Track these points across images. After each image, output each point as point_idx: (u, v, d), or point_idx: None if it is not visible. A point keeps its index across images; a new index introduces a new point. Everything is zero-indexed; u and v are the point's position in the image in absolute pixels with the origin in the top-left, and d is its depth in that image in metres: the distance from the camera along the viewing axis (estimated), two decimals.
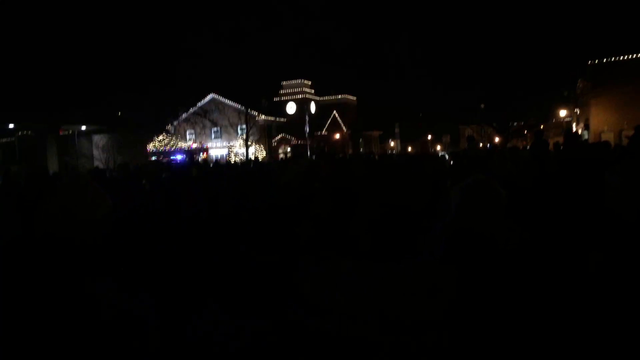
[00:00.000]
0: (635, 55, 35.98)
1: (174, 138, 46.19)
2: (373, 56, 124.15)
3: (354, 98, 62.95)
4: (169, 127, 47.36)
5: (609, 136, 33.79)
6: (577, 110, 41.82)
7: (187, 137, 50.61)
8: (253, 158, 31.76)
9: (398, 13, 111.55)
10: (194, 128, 48.34)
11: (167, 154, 40.90)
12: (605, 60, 35.96)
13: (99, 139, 31.73)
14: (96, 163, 26.87)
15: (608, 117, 35.62)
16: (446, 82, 30.27)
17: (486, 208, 2.12)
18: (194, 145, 45.13)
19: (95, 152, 30.64)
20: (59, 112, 27.73)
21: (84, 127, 30.67)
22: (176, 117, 48.32)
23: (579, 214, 4.11)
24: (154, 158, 36.78)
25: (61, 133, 30.20)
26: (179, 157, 39.54)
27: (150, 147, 42.41)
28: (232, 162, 27.12)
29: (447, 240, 2.15)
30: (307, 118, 48.18)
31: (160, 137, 44.09)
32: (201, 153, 41.84)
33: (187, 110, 48.19)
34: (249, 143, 39.68)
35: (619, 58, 36.00)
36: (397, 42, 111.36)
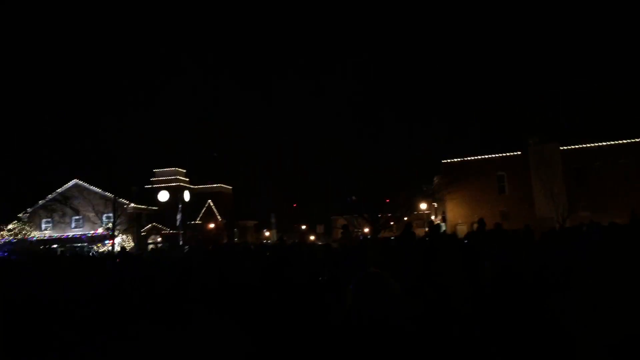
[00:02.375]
0: (479, 156, 41.27)
1: (26, 227, 41.72)
2: (249, 146, 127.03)
3: (230, 187, 62.95)
4: (21, 214, 42.80)
5: (462, 228, 37.37)
6: (435, 204, 46.01)
7: (43, 226, 46.00)
8: (119, 248, 29.60)
9: (271, 109, 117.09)
10: (51, 216, 44.20)
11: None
12: (456, 160, 40.66)
13: None
14: None
15: (462, 211, 39.66)
16: (318, 174, 31.74)
17: (380, 300, 2.21)
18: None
19: None
20: None
21: None
22: (31, 204, 43.97)
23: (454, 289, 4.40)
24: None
25: None
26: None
27: None
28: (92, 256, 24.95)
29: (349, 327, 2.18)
30: (179, 207, 46.79)
31: (11, 226, 39.55)
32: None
33: (44, 197, 44.23)
34: (116, 233, 37.08)
35: (468, 158, 40.99)
36: (271, 136, 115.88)
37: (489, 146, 41.10)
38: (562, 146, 39.05)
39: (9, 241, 37.25)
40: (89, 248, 37.62)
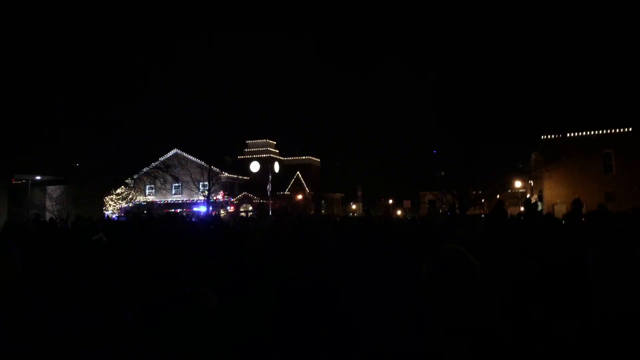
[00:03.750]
0: (583, 132, 38.25)
1: (132, 192, 45.16)
2: (339, 120, 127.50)
3: (318, 160, 63.78)
4: (128, 180, 46.37)
5: (561, 208, 35.08)
6: (531, 182, 43.50)
7: (147, 191, 49.58)
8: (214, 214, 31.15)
9: (363, 81, 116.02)
10: (154, 182, 47.46)
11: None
12: (557, 136, 38.00)
13: (52, 190, 30.61)
14: (48, 215, 25.73)
15: (560, 190, 37.18)
16: (408, 149, 31.19)
17: (458, 279, 2.03)
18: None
19: (48, 204, 29.42)
20: (11, 161, 26.74)
21: (38, 177, 29.65)
22: (137, 170, 47.49)
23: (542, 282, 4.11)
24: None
25: (14, 182, 29.00)
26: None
27: (107, 199, 41.29)
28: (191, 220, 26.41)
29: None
30: (270, 177, 48.24)
31: (119, 190, 43.03)
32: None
33: (148, 164, 47.53)
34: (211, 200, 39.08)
35: (569, 135, 38.16)
36: (362, 111, 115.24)
37: (595, 121, 37.93)
38: None
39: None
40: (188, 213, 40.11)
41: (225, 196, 41.34)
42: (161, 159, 47.93)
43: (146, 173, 46.99)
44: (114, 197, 42.39)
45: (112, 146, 32.24)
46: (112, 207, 42.28)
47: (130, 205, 39.85)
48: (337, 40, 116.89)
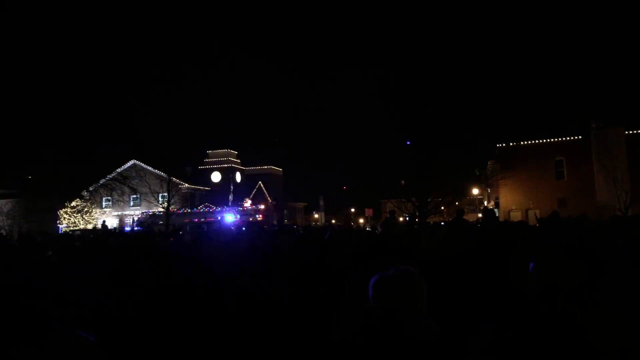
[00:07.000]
0: (536, 140, 39.67)
1: (88, 205, 43.84)
2: (300, 130, 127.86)
3: (280, 169, 63.63)
4: (84, 192, 44.98)
5: (516, 214, 36.17)
6: (488, 189, 44.71)
7: (103, 203, 48.21)
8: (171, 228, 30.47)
9: (327, 89, 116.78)
10: (111, 194, 46.19)
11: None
12: (512, 144, 39.26)
13: (3, 204, 29.40)
14: None
15: (515, 197, 38.36)
16: (369, 157, 31.52)
17: (406, 300, 2.07)
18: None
19: None
20: None
21: None
22: (92, 182, 46.12)
23: (487, 289, 4.18)
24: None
25: None
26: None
27: (62, 212, 39.93)
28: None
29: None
30: (231, 187, 47.74)
31: (74, 203, 41.69)
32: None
33: (105, 176, 46.27)
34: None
35: (523, 143, 39.50)
36: (324, 119, 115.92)
37: (548, 130, 39.43)
38: (627, 130, 36.80)
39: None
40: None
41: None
42: (118, 170, 46.76)
43: (102, 185, 45.72)
44: (69, 210, 41.02)
45: (67, 158, 31.20)
46: (67, 220, 40.89)
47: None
48: (299, 52, 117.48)
